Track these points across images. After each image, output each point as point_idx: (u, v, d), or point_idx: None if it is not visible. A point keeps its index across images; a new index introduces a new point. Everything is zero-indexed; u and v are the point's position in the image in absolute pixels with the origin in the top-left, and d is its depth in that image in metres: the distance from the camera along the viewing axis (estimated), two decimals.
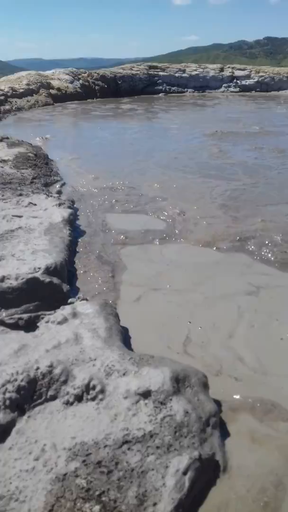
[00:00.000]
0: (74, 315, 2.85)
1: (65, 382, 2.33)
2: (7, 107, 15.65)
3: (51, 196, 5.25)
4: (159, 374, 2.27)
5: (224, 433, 2.23)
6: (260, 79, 25.78)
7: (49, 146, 9.51)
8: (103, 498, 1.80)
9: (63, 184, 6.50)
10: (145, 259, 4.14)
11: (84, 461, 1.96)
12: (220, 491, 1.91)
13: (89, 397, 2.26)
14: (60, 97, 19.07)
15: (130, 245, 4.43)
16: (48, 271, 3.43)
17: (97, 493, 1.82)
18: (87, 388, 2.28)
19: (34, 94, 17.83)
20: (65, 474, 1.92)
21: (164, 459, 1.91)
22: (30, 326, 2.77)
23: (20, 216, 4.63)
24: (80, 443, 2.04)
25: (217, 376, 2.67)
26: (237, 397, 2.51)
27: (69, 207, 4.95)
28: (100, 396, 2.25)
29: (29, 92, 17.61)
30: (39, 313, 2.87)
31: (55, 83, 19.66)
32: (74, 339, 2.62)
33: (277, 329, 3.13)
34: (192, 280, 3.77)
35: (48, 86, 19.04)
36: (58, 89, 19.34)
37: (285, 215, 5.23)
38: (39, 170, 6.95)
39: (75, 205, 5.45)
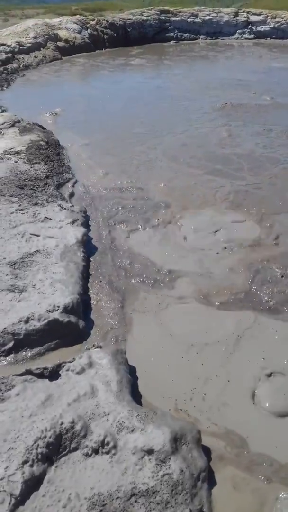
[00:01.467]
0: (90, 364, 3.36)
1: (84, 436, 2.88)
2: (14, 65, 15.39)
3: (64, 208, 5.60)
4: (160, 435, 2.81)
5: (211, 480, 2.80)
6: (276, 25, 24.58)
7: (59, 125, 9.63)
8: None
9: (75, 182, 6.81)
10: (148, 290, 4.55)
11: (101, 510, 2.54)
12: None
13: (104, 450, 2.82)
14: (68, 50, 18.58)
15: (134, 275, 4.73)
16: (66, 310, 3.91)
17: None
18: (103, 443, 2.83)
19: (41, 48, 17.39)
20: None
21: None
22: (53, 375, 3.29)
23: (37, 235, 5.04)
24: (97, 494, 2.62)
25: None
26: None
27: (82, 224, 5.33)
28: (113, 451, 2.80)
29: (36, 46, 17.17)
30: (61, 362, 3.38)
31: (62, 33, 19.04)
32: (91, 392, 3.15)
33: None
34: (193, 322, 4.23)
35: (56, 38, 18.48)
36: (66, 40, 18.77)
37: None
38: (52, 164, 7.22)
39: (86, 213, 5.83)
